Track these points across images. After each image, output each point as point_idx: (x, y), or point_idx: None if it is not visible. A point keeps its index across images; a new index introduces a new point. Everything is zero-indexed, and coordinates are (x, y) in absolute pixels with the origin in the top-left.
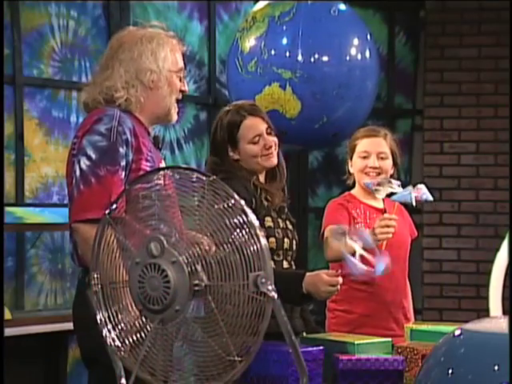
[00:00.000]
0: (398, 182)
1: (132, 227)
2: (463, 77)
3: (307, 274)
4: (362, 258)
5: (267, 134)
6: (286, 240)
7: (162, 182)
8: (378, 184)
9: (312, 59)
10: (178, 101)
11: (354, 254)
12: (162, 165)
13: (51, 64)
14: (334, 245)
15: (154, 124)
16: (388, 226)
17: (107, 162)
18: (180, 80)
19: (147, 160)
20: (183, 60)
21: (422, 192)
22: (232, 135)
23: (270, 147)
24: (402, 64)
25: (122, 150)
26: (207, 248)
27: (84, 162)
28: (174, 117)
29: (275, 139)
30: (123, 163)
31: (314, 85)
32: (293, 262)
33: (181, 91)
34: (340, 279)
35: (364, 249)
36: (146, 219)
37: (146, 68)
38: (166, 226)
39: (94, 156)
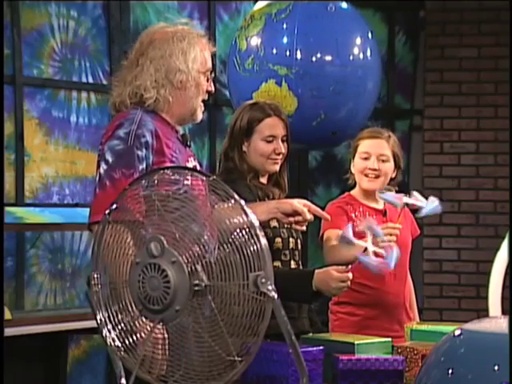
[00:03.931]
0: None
1: (163, 227)
2: (463, 77)
3: (316, 271)
4: (375, 253)
5: (282, 140)
6: (291, 239)
7: (189, 182)
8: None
9: (308, 56)
10: (203, 101)
11: (365, 251)
12: (190, 163)
13: (51, 64)
14: (344, 251)
15: (180, 124)
16: (391, 235)
17: (122, 164)
18: (207, 80)
19: (172, 161)
20: (212, 60)
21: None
22: (251, 127)
23: (280, 154)
24: (402, 64)
25: (140, 153)
26: None
27: (102, 167)
28: (200, 117)
29: (285, 150)
30: (142, 166)
31: (309, 81)
32: (300, 262)
33: (207, 92)
34: (350, 275)
35: (373, 242)
36: (175, 219)
37: (176, 68)
38: (197, 226)
39: (110, 159)
